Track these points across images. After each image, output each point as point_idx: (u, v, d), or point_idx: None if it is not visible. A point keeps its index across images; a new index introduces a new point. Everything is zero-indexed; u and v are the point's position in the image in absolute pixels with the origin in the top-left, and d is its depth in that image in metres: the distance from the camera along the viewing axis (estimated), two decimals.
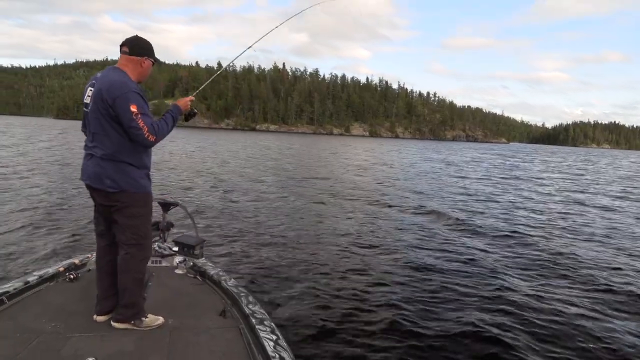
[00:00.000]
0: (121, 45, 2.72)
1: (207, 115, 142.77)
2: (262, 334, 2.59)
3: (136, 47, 2.71)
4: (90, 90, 2.66)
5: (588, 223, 10.35)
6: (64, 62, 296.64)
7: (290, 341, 2.86)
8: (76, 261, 3.70)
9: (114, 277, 2.81)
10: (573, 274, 6.13)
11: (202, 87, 4.11)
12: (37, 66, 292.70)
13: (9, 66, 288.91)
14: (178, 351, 2.52)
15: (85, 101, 2.70)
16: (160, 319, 2.84)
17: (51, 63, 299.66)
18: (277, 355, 2.39)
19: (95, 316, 2.83)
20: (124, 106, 2.51)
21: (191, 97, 3.04)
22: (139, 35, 2.82)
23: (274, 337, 2.58)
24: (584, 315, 4.71)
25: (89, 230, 7.00)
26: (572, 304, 5.00)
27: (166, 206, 4.24)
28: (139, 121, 2.52)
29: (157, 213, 3.59)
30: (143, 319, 2.77)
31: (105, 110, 2.56)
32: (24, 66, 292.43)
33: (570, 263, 6.65)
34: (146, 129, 2.53)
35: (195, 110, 3.11)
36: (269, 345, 2.47)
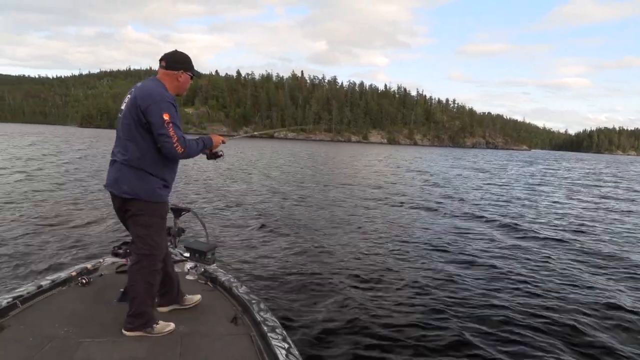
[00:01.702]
0: (160, 60, 2.80)
1: (226, 122, 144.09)
2: (273, 342, 2.59)
3: (172, 61, 2.78)
4: (128, 97, 2.73)
5: None
6: (89, 72, 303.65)
7: (301, 350, 2.83)
8: (88, 266, 3.74)
9: (165, 273, 2.95)
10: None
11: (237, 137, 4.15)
12: (62, 76, 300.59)
13: (37, 76, 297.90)
14: (190, 357, 2.52)
15: (121, 107, 2.78)
16: (172, 325, 2.84)
17: (76, 73, 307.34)
18: None
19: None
20: (157, 113, 2.56)
21: (224, 139, 3.09)
22: (177, 49, 2.91)
23: (286, 346, 2.57)
24: None
25: (102, 236, 7.14)
26: None
27: (178, 212, 4.26)
28: (170, 129, 2.57)
29: (168, 218, 3.55)
30: (154, 325, 2.77)
31: (137, 117, 2.61)
32: (50, 76, 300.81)
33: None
34: (176, 139, 2.58)
35: (221, 153, 3.14)
36: (280, 354, 2.46)
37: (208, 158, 3.11)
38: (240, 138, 5.85)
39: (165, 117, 2.56)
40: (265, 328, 2.76)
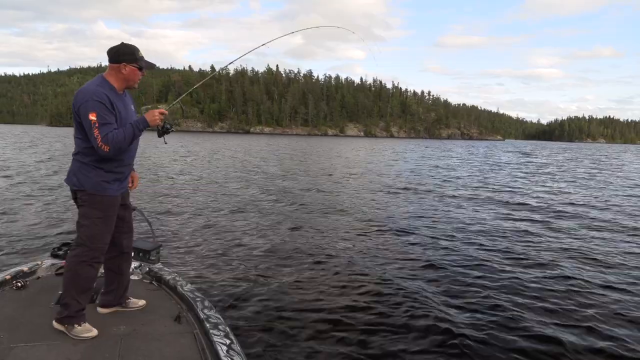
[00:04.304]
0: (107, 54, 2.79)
1: (201, 118, 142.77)
2: (215, 339, 2.59)
3: (115, 54, 2.77)
4: None
5: None
6: (58, 69, 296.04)
7: (245, 345, 2.87)
8: (25, 268, 3.58)
9: (114, 273, 3.06)
10: None
11: (180, 98, 4.07)
12: (30, 74, 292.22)
13: (3, 74, 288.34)
14: (129, 359, 2.48)
15: None
16: (94, 331, 2.74)
17: (45, 70, 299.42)
18: None
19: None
20: (85, 114, 2.62)
21: (162, 110, 2.87)
22: (125, 42, 2.84)
23: (228, 342, 2.57)
24: None
25: (39, 237, 6.88)
26: None
27: None
28: (94, 130, 2.60)
29: None
30: (76, 325, 2.72)
31: (77, 115, 2.69)
32: (17, 74, 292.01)
33: None
34: (99, 139, 2.60)
35: (169, 126, 2.92)
36: (222, 350, 2.47)
37: (158, 135, 2.97)
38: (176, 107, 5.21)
39: (92, 117, 2.60)
40: (208, 325, 2.76)
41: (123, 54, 2.77)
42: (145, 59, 2.86)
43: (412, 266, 6.06)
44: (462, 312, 4.55)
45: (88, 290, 2.86)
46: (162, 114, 2.85)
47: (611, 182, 19.56)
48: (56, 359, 2.43)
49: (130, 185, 3.14)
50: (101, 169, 2.76)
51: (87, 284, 2.82)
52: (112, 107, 2.68)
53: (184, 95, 4.12)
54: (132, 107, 2.97)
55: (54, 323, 2.76)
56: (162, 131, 2.92)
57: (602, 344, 3.96)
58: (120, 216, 2.96)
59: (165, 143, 3.22)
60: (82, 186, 2.76)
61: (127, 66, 2.77)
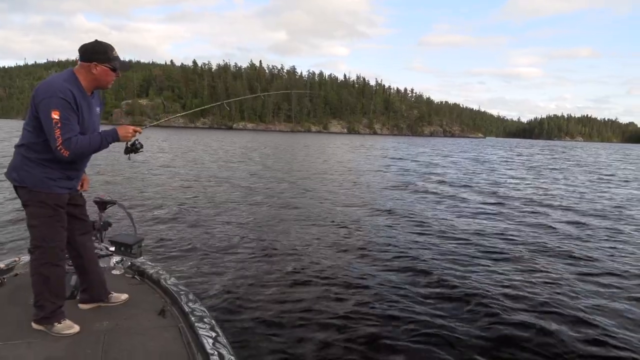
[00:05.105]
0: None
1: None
2: (201, 332, 2.57)
3: (86, 52, 2.59)
4: None
5: None
6: (35, 62, 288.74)
7: (231, 337, 2.87)
8: (2, 265, 3.49)
9: (81, 274, 2.96)
10: None
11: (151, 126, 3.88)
12: (6, 66, 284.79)
13: None
14: (113, 354, 2.43)
15: None
16: (76, 327, 2.66)
17: (21, 63, 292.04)
18: (216, 352, 2.37)
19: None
20: (46, 110, 2.43)
21: (136, 128, 2.74)
22: (100, 39, 2.65)
23: (214, 334, 2.55)
24: None
25: (16, 232, 6.70)
26: None
27: (102, 204, 4.01)
28: (56, 130, 2.42)
29: (94, 212, 3.49)
30: (55, 324, 2.65)
31: (34, 109, 2.50)
32: None
33: None
34: (60, 141, 2.42)
35: (140, 145, 2.80)
36: (207, 343, 2.45)
37: (125, 152, 2.82)
38: (152, 127, 5.19)
39: (54, 115, 2.41)
40: (193, 318, 2.73)
41: (95, 53, 2.59)
42: (126, 54, 2.71)
43: (396, 264, 6.04)
44: (453, 307, 4.58)
45: (60, 290, 2.75)
46: (135, 131, 2.72)
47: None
48: (37, 357, 2.37)
49: (79, 187, 2.93)
50: (47, 166, 2.56)
51: (57, 284, 2.71)
52: (76, 106, 2.50)
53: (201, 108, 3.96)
54: (98, 109, 2.77)
55: (33, 324, 2.66)
56: (131, 149, 2.80)
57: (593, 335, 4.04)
58: (71, 214, 2.78)
59: (129, 159, 3.04)
60: (23, 182, 2.57)
61: (99, 66, 2.58)
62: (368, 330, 3.99)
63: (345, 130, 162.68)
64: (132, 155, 2.87)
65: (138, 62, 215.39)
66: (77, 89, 2.54)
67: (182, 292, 3.13)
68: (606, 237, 7.88)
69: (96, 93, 2.75)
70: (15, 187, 2.64)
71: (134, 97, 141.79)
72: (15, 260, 3.62)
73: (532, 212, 10.18)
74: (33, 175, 2.56)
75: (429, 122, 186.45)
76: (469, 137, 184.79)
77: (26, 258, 3.65)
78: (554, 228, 8.50)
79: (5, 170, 2.71)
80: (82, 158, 2.63)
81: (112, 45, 2.63)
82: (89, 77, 2.60)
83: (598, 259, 6.42)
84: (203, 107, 5.88)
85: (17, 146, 2.62)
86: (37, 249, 2.64)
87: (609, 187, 16.74)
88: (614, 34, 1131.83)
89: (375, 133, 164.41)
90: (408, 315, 4.30)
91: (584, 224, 9.13)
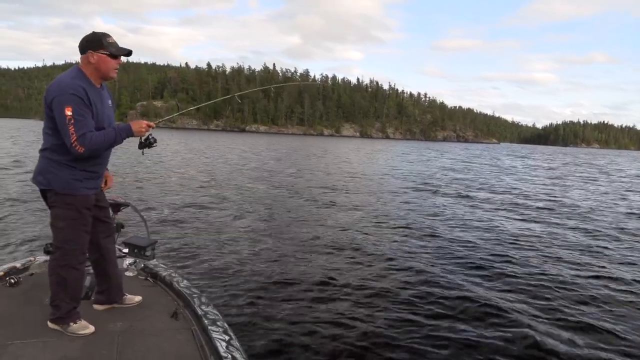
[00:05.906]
0: None
1: (196, 116, 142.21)
2: (214, 335, 2.57)
3: (81, 45, 2.61)
4: None
5: None
6: (53, 63, 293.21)
7: (243, 341, 2.85)
8: (18, 265, 3.53)
9: (100, 276, 2.97)
10: None
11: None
12: (25, 67, 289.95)
13: None
14: (127, 355, 2.44)
15: None
16: (91, 328, 2.69)
17: (40, 65, 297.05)
18: (230, 356, 2.37)
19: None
20: (59, 108, 2.45)
21: (149, 123, 2.75)
22: (107, 33, 2.67)
23: (227, 338, 2.56)
24: None
25: (30, 233, 6.83)
26: None
27: (116, 207, 4.03)
28: (69, 127, 2.44)
29: None
30: (71, 324, 2.66)
31: (48, 109, 2.53)
32: (12, 68, 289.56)
33: None
34: (74, 137, 2.44)
35: (153, 140, 2.83)
36: (221, 346, 2.45)
37: (139, 147, 2.86)
38: (165, 129, 5.28)
39: (67, 112, 2.43)
40: (206, 321, 2.73)
41: (88, 42, 2.60)
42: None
43: (414, 275, 5.96)
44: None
45: (77, 292, 2.77)
46: (149, 126, 2.73)
47: None
48: (53, 356, 2.38)
49: (103, 185, 2.96)
50: (73, 167, 2.59)
51: (75, 286, 2.73)
52: (88, 101, 2.52)
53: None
54: (110, 101, 2.80)
55: (49, 323, 2.69)
56: (145, 143, 2.83)
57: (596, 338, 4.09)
58: (96, 217, 2.81)
59: (143, 154, 3.05)
60: (50, 185, 2.59)
61: (95, 54, 2.58)
62: (385, 333, 4.00)
63: (358, 134, 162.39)
64: (146, 150, 2.90)
65: (153, 64, 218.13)
66: (87, 83, 2.57)
67: (195, 295, 3.13)
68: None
69: (105, 85, 2.77)
70: (42, 191, 2.65)
71: (148, 98, 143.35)
72: (30, 260, 3.66)
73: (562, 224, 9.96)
74: (60, 178, 2.58)
75: (442, 126, 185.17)
76: (482, 142, 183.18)
77: (41, 258, 3.71)
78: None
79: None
80: (98, 154, 2.64)
81: (108, 32, 2.64)
82: (90, 68, 2.61)
83: (614, 268, 6.33)
84: (215, 100, 5.92)
85: (41, 150, 2.64)
86: (58, 250, 2.65)
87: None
88: (631, 39, 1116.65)
89: (387, 137, 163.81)
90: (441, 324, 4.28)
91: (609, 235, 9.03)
